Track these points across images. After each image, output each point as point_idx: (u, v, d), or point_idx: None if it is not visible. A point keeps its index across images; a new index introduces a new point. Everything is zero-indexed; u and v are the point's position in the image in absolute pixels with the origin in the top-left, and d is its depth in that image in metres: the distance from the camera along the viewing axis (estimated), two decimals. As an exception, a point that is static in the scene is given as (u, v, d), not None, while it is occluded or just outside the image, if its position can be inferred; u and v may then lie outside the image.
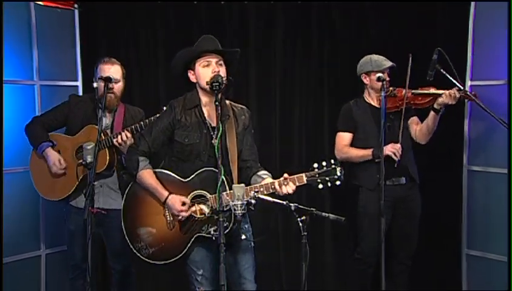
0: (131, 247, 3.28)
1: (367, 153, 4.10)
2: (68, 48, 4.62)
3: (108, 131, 3.85)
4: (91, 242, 3.60)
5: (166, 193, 3.18)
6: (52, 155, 3.84)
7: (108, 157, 3.74)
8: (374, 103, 4.20)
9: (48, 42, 4.47)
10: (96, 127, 3.67)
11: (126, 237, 3.29)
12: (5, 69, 4.15)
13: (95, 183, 3.67)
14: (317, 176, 3.02)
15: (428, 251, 4.51)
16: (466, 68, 4.39)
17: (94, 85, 3.55)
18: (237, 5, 4.79)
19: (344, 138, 4.25)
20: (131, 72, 4.39)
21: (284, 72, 4.90)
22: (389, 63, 4.10)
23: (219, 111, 3.02)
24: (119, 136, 3.66)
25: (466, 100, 4.10)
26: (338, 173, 3.01)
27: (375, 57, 4.17)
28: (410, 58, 3.88)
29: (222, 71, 3.16)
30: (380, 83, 3.88)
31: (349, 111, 4.26)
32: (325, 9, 4.81)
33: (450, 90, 3.96)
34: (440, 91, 4.01)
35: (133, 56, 4.74)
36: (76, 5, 4.51)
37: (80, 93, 4.60)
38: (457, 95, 3.94)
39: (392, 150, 4.03)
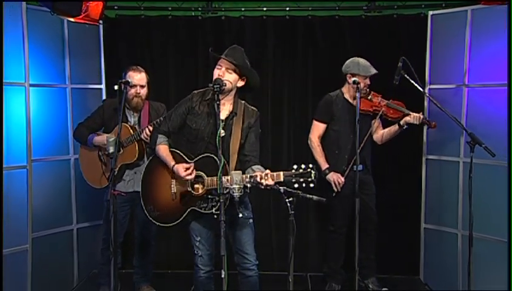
0: (143, 207, 3.54)
1: (323, 164, 4.38)
2: (94, 57, 4.95)
3: (137, 127, 4.16)
4: (122, 217, 4.08)
5: (173, 162, 3.42)
6: (100, 138, 4.19)
7: (137, 149, 4.08)
8: (351, 101, 4.41)
9: (78, 52, 4.80)
10: (127, 125, 4.12)
11: (141, 199, 3.56)
12: (42, 75, 4.55)
13: (131, 170, 4.11)
14: (293, 176, 3.17)
15: (393, 225, 4.91)
16: (425, 74, 4.73)
17: (115, 87, 3.70)
18: (235, 20, 5.11)
19: (318, 128, 4.45)
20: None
21: (274, 77, 5.17)
22: (373, 71, 4.30)
23: (218, 109, 3.19)
24: (144, 132, 4.01)
25: (425, 125, 4.40)
26: (312, 177, 3.15)
27: (362, 62, 4.29)
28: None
29: (228, 78, 3.33)
30: (357, 86, 4.10)
31: (329, 103, 4.40)
32: (309, 24, 5.07)
33: (416, 113, 4.26)
34: (410, 112, 4.27)
35: (148, 62, 5.01)
36: (100, 21, 4.68)
37: (104, 94, 4.97)
38: (421, 117, 4.24)
39: (335, 179, 4.32)
